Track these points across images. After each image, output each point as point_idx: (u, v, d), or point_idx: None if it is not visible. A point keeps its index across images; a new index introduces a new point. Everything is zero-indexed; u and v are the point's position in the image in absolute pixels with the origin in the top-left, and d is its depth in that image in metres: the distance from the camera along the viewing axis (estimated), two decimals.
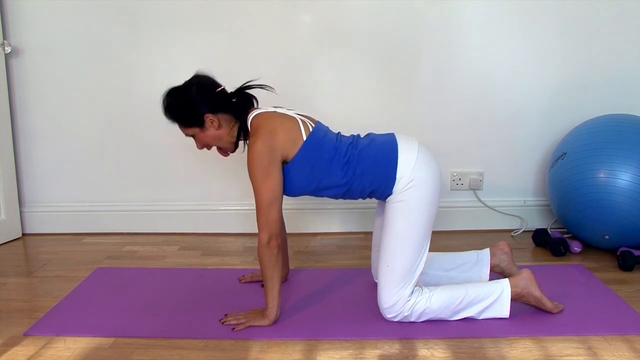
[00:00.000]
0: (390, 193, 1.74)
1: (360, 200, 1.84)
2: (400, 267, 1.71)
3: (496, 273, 1.96)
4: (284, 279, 2.12)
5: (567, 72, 2.60)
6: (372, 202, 1.90)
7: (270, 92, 1.86)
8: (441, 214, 2.30)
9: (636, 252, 2.21)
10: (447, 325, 1.76)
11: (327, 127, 1.86)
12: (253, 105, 1.86)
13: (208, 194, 2.75)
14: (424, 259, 1.75)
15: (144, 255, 2.48)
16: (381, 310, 1.77)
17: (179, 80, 1.81)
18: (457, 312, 1.77)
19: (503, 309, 1.77)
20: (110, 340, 1.72)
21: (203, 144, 1.85)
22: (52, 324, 1.83)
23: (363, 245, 2.55)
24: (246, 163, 1.70)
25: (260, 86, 1.85)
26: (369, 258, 2.08)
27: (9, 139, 2.65)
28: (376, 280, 1.85)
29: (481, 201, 2.73)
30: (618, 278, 2.14)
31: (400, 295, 1.72)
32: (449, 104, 2.63)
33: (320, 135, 1.77)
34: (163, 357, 1.62)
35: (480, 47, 2.57)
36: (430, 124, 2.63)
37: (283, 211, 1.80)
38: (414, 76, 2.61)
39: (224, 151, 1.89)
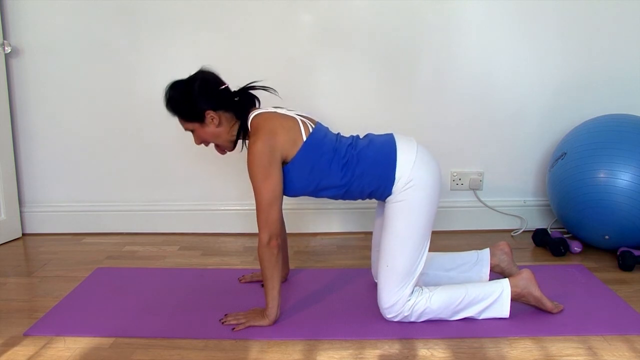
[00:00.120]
0: (389, 193, 1.74)
1: (360, 200, 1.84)
2: (400, 267, 1.71)
3: (496, 273, 1.96)
4: (284, 279, 2.12)
5: (567, 72, 2.60)
6: (372, 202, 1.90)
7: (273, 94, 1.86)
8: (441, 214, 2.30)
9: (636, 252, 2.21)
10: (447, 325, 1.76)
11: (327, 128, 1.86)
12: (255, 106, 1.86)
13: (208, 194, 2.75)
14: (424, 258, 1.75)
15: (144, 255, 2.48)
16: (381, 310, 1.77)
17: None
18: (457, 312, 1.77)
19: (503, 309, 1.77)
20: (110, 340, 1.72)
21: (201, 140, 1.84)
22: (52, 324, 1.83)
23: (363, 245, 2.55)
24: (246, 163, 1.70)
25: (264, 88, 1.85)
26: (369, 258, 2.08)
27: (9, 139, 2.65)
28: (376, 281, 1.85)
29: (481, 201, 2.73)
30: (618, 278, 2.14)
31: (400, 295, 1.72)
32: (449, 103, 2.63)
33: (320, 136, 1.77)
34: (163, 357, 1.62)
35: (480, 47, 2.57)
36: (430, 123, 2.63)
37: (283, 211, 1.80)
38: (414, 76, 2.61)
39: (221, 149, 1.89)
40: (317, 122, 1.85)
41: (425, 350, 1.63)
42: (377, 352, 1.63)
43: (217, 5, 2.53)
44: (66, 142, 2.71)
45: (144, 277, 2.21)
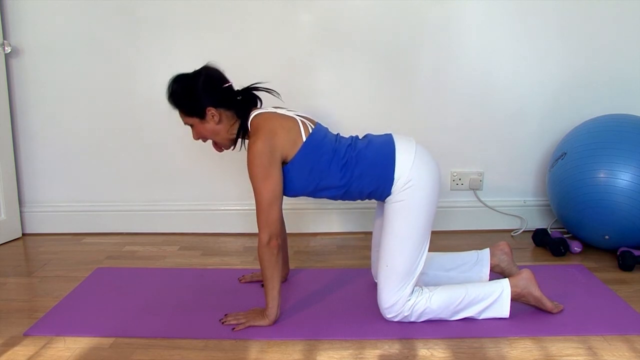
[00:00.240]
0: (388, 194, 1.74)
1: (359, 200, 1.84)
2: (400, 267, 1.71)
3: (496, 273, 1.96)
4: (284, 279, 2.12)
5: (567, 72, 2.60)
6: (372, 202, 1.90)
7: (276, 97, 1.86)
8: (441, 214, 2.31)
9: (636, 252, 2.21)
10: (447, 325, 1.76)
11: (327, 129, 1.86)
12: (256, 106, 1.86)
13: (208, 194, 2.75)
14: (424, 258, 1.75)
15: (144, 255, 2.48)
16: (381, 310, 1.77)
17: None
18: (457, 312, 1.77)
19: (503, 309, 1.77)
20: (110, 340, 1.72)
21: (199, 136, 1.84)
22: (52, 324, 1.83)
23: (363, 245, 2.55)
24: (246, 163, 1.70)
25: (268, 90, 1.86)
26: (369, 258, 2.08)
27: (9, 138, 2.65)
28: (376, 281, 1.85)
29: (481, 201, 2.73)
30: (618, 278, 2.14)
31: (400, 295, 1.72)
32: (449, 104, 2.63)
33: (319, 137, 1.77)
34: (163, 357, 1.62)
35: (480, 47, 2.57)
36: (430, 123, 2.63)
37: (283, 211, 1.80)
38: (414, 76, 2.61)
39: (218, 146, 1.89)
40: (317, 122, 1.85)
41: (425, 350, 1.63)
42: (377, 352, 1.63)
43: (217, 6, 2.53)
44: (66, 142, 2.71)
45: (144, 277, 2.21)
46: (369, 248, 2.11)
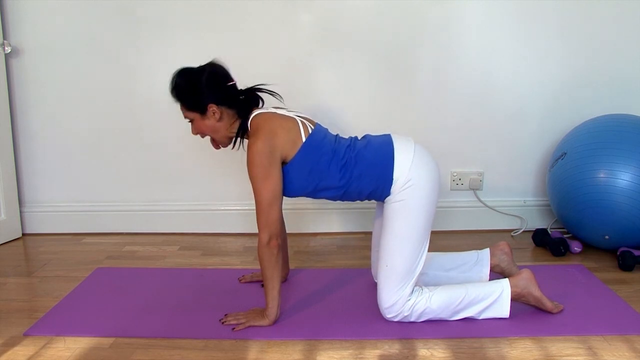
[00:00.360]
0: (388, 194, 1.74)
1: (359, 201, 1.84)
2: (400, 266, 1.71)
3: (496, 273, 1.96)
4: (284, 279, 2.12)
5: (567, 72, 2.60)
6: (372, 202, 1.90)
7: (279, 100, 1.86)
8: (441, 214, 2.31)
9: (636, 252, 2.21)
10: (447, 325, 1.76)
11: (327, 129, 1.86)
12: (258, 106, 1.86)
13: (208, 194, 2.75)
14: (424, 258, 1.75)
15: (144, 255, 2.48)
16: (381, 310, 1.77)
17: None
18: (457, 312, 1.77)
19: (503, 309, 1.77)
20: (110, 340, 1.72)
21: (198, 131, 1.84)
22: (52, 324, 1.83)
23: (363, 245, 2.55)
24: (246, 163, 1.70)
25: (271, 92, 1.86)
26: (369, 258, 2.08)
27: (9, 138, 2.65)
28: (376, 281, 1.85)
29: (481, 201, 2.73)
30: (618, 278, 2.14)
31: (400, 295, 1.72)
32: (449, 104, 2.63)
33: (319, 137, 1.77)
34: (163, 357, 1.62)
35: (480, 47, 2.57)
36: (430, 123, 2.63)
37: (283, 211, 1.80)
38: (414, 76, 2.61)
39: (216, 143, 1.89)
40: (317, 123, 1.85)
41: (425, 350, 1.63)
42: (377, 352, 1.63)
43: (217, 6, 2.53)
44: (66, 142, 2.71)
45: (144, 277, 2.21)
46: (369, 248, 2.11)
